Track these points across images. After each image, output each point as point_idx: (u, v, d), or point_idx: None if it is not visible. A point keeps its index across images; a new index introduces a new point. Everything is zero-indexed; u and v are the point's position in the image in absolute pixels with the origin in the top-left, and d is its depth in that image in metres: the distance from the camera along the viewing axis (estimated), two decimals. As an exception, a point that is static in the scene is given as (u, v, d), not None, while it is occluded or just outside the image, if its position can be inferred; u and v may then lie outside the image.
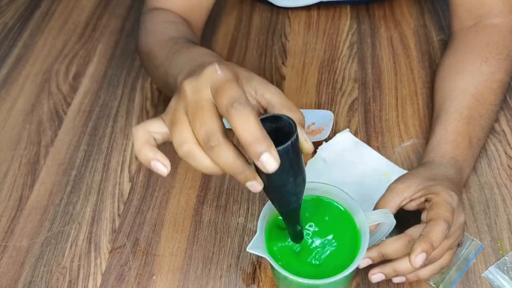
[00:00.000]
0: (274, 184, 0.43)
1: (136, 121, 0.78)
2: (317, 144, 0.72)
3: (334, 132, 0.73)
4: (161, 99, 0.80)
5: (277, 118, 0.43)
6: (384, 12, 0.93)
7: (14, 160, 0.74)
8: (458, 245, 0.58)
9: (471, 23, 0.74)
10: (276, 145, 0.40)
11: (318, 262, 0.50)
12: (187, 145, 0.42)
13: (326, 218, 0.53)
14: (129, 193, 0.69)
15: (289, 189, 0.44)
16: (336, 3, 0.94)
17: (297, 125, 0.42)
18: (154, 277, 0.61)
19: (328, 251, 0.51)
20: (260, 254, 0.48)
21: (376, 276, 0.53)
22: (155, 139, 0.44)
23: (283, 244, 0.51)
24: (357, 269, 0.50)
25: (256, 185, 0.42)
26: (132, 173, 0.71)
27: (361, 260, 0.49)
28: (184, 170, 0.71)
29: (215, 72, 0.42)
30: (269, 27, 0.92)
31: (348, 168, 0.69)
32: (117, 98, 0.82)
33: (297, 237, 0.50)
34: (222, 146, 0.40)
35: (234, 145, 0.41)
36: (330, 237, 0.52)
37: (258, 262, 0.61)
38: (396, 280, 0.54)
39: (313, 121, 0.74)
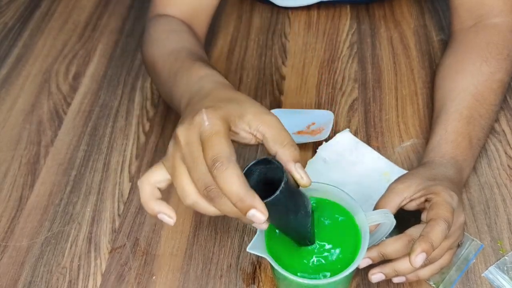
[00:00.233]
0: (277, 223, 0.46)
1: (136, 121, 0.78)
2: (317, 144, 0.72)
3: (334, 132, 0.73)
4: (161, 99, 0.80)
5: (268, 161, 0.44)
6: (384, 12, 0.93)
7: (14, 160, 0.74)
8: (458, 245, 0.58)
9: (471, 23, 0.74)
10: (271, 186, 0.42)
11: (318, 262, 0.50)
12: (190, 198, 0.45)
13: (326, 218, 0.53)
14: (129, 193, 0.69)
15: (293, 225, 0.46)
16: (336, 3, 0.94)
17: (290, 163, 0.44)
18: (154, 277, 0.61)
19: (328, 251, 0.51)
20: (260, 254, 0.48)
21: (376, 276, 0.53)
22: (160, 188, 0.47)
23: (283, 244, 0.51)
24: (357, 269, 0.50)
25: (261, 226, 0.45)
26: (132, 173, 0.71)
27: (361, 260, 0.49)
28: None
29: (203, 123, 0.44)
30: (269, 27, 0.92)
31: (348, 168, 0.69)
32: (117, 98, 0.82)
33: (307, 244, 0.51)
34: (221, 197, 0.43)
35: None
36: (330, 237, 0.52)
37: (258, 262, 0.61)
38: (396, 280, 0.54)
39: (313, 121, 0.74)
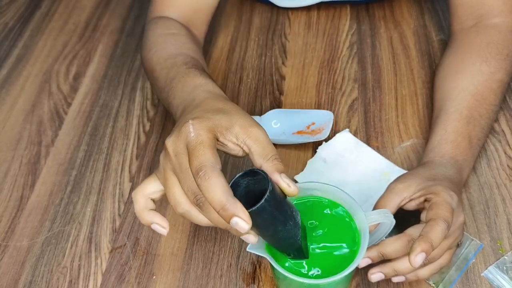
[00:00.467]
0: (266, 235, 0.46)
1: (136, 121, 0.78)
2: (317, 144, 0.72)
3: (334, 132, 0.73)
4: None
5: (254, 173, 0.45)
6: (384, 12, 0.93)
7: (15, 160, 0.74)
8: (458, 245, 0.58)
9: (471, 23, 0.74)
10: (259, 198, 0.42)
11: (318, 262, 0.50)
12: (181, 207, 0.46)
13: (326, 218, 0.53)
14: (130, 193, 0.69)
15: (282, 236, 0.46)
16: (336, 3, 0.94)
17: (275, 174, 0.45)
18: (154, 277, 0.61)
19: (328, 251, 0.51)
20: (260, 254, 0.48)
21: (375, 275, 0.53)
22: (154, 199, 0.50)
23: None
24: (357, 269, 0.50)
25: (249, 238, 0.46)
26: (133, 173, 0.71)
27: (361, 260, 0.49)
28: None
29: (189, 135, 0.45)
30: (269, 27, 0.92)
31: (348, 168, 0.69)
32: (118, 98, 0.82)
33: (301, 258, 0.51)
34: (209, 205, 0.43)
35: None
36: (329, 237, 0.52)
37: (258, 262, 0.61)
38: (395, 279, 0.54)
39: (313, 121, 0.74)
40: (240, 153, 0.49)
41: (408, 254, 0.50)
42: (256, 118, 0.75)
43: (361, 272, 0.59)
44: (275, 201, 0.44)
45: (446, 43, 0.82)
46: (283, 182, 0.45)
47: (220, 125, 0.47)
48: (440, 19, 0.91)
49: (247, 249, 0.48)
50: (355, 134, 0.74)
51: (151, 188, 0.49)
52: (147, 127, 0.77)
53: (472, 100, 0.67)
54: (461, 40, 0.74)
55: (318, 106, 0.78)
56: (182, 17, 0.75)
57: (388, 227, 0.54)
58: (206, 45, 0.88)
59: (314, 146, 0.72)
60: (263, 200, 0.42)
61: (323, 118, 0.74)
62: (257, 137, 0.47)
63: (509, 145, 0.72)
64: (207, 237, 0.64)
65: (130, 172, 0.72)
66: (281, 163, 0.47)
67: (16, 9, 1.00)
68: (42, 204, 0.69)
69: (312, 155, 0.71)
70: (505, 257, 0.60)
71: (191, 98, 0.55)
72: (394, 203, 0.55)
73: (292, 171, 0.70)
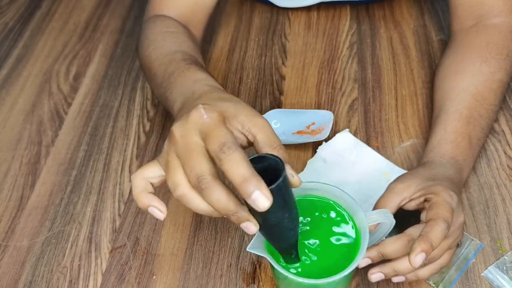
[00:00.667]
0: (271, 222, 0.44)
1: (136, 121, 0.78)
2: (317, 144, 0.72)
3: (334, 132, 0.73)
4: (162, 104, 0.80)
5: (262, 158, 0.44)
6: (384, 12, 0.93)
7: (15, 160, 0.74)
8: (458, 245, 0.58)
9: (471, 23, 0.74)
10: (266, 184, 0.41)
11: (318, 262, 0.51)
12: (181, 188, 0.44)
13: (326, 218, 0.53)
14: (130, 193, 0.69)
15: (286, 225, 0.45)
16: (336, 4, 0.94)
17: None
18: (154, 277, 0.61)
19: (328, 251, 0.51)
20: (260, 254, 0.48)
21: (375, 275, 0.53)
22: (153, 184, 0.48)
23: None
24: (357, 269, 0.50)
25: (250, 226, 0.44)
26: (133, 173, 0.71)
27: (361, 260, 0.49)
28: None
29: (202, 117, 0.44)
30: (269, 28, 0.92)
31: (348, 168, 0.69)
32: (118, 98, 0.82)
33: (293, 261, 0.50)
34: (212, 187, 0.42)
35: (226, 186, 0.43)
36: (329, 236, 0.52)
37: (258, 262, 0.61)
38: (395, 279, 0.54)
39: (313, 121, 0.74)
40: (244, 143, 0.48)
41: (408, 254, 0.50)
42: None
43: (361, 272, 0.59)
44: (286, 185, 0.43)
45: (446, 43, 0.82)
46: (288, 173, 0.45)
47: (227, 111, 0.47)
48: (440, 19, 0.91)
49: (247, 249, 0.48)
50: (355, 134, 0.74)
51: (151, 172, 0.48)
52: (147, 127, 0.77)
53: (472, 100, 0.67)
54: (461, 40, 0.74)
55: (318, 106, 0.78)
56: (180, 17, 0.75)
57: (388, 227, 0.54)
58: (206, 45, 0.88)
59: (314, 146, 0.72)
60: (280, 179, 0.41)
61: (323, 118, 0.74)
62: (262, 126, 0.47)
63: (509, 145, 0.72)
64: (207, 237, 0.64)
65: (130, 172, 0.72)
66: (286, 152, 0.46)
67: (16, 9, 1.00)
68: (42, 204, 0.69)
69: (312, 155, 0.71)
70: (505, 257, 0.60)
71: (191, 91, 0.54)
72: (394, 203, 0.55)
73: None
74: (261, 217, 0.44)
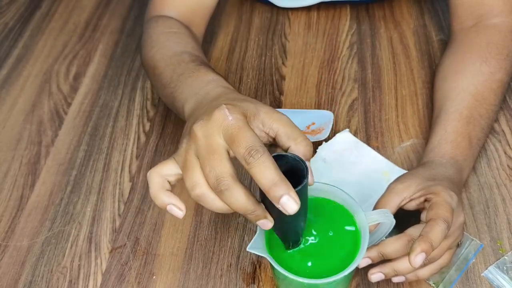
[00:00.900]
0: (288, 220, 0.45)
1: (136, 121, 0.78)
2: (317, 144, 0.72)
3: (334, 132, 0.73)
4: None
5: (282, 157, 0.44)
6: (384, 12, 0.93)
7: (15, 160, 0.74)
8: (458, 245, 0.58)
9: (471, 23, 0.74)
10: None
11: (318, 262, 0.51)
12: (199, 188, 0.44)
13: (326, 218, 0.53)
14: (130, 193, 0.69)
15: (299, 219, 0.46)
16: (336, 3, 0.94)
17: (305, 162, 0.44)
18: (154, 277, 0.61)
19: (328, 251, 0.51)
20: (260, 254, 0.48)
21: (375, 275, 0.53)
22: (169, 181, 0.47)
23: (283, 244, 0.51)
24: (357, 269, 0.50)
25: (266, 223, 0.45)
26: (133, 173, 0.71)
27: (361, 260, 0.49)
28: (184, 170, 0.71)
29: (226, 118, 0.44)
30: (269, 28, 0.92)
31: (348, 168, 0.69)
32: (118, 98, 0.82)
33: (294, 245, 0.51)
34: (231, 189, 0.43)
35: (244, 187, 0.43)
36: (330, 236, 0.52)
37: (258, 262, 0.61)
38: (395, 279, 0.54)
39: (313, 121, 0.74)
40: (265, 140, 0.48)
41: (408, 254, 0.50)
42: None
43: (361, 272, 0.59)
44: (307, 186, 0.44)
45: (446, 43, 0.82)
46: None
47: (248, 111, 0.47)
48: (440, 19, 0.91)
49: (247, 249, 0.48)
50: (355, 134, 0.74)
51: (168, 169, 0.47)
52: (147, 127, 0.77)
53: (472, 100, 0.67)
54: (461, 40, 0.74)
55: (318, 106, 0.78)
56: (182, 17, 0.75)
57: (388, 227, 0.54)
58: (206, 45, 0.88)
59: (314, 146, 0.72)
60: (304, 181, 0.42)
61: (323, 118, 0.74)
62: (282, 120, 0.47)
63: (509, 145, 0.72)
64: (207, 237, 0.64)
65: (130, 172, 0.72)
66: (311, 145, 0.46)
67: (16, 9, 1.00)
68: (42, 204, 0.69)
69: (312, 155, 0.71)
70: (505, 257, 0.60)
71: (205, 92, 0.54)
72: (394, 203, 0.55)
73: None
74: (278, 214, 0.44)
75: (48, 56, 0.90)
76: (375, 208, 0.56)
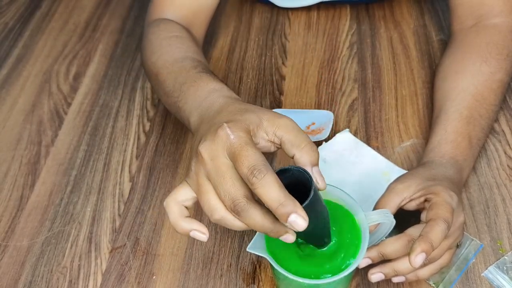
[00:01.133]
0: (307, 230, 0.44)
1: (136, 120, 0.78)
2: (317, 144, 0.72)
3: (334, 132, 0.73)
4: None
5: (286, 171, 0.44)
6: (384, 12, 0.93)
7: (15, 160, 0.74)
8: (458, 245, 0.58)
9: (471, 23, 0.74)
10: (295, 196, 0.42)
11: (318, 262, 0.50)
12: (217, 213, 0.45)
13: (326, 218, 0.53)
14: (130, 193, 0.69)
15: (320, 225, 0.47)
16: (336, 4, 0.94)
17: (308, 167, 0.44)
18: (154, 277, 0.61)
19: (328, 251, 0.51)
20: (260, 254, 0.48)
21: (375, 275, 0.53)
22: (186, 207, 0.48)
23: (283, 244, 0.51)
24: (357, 269, 0.50)
25: (289, 237, 0.45)
26: (133, 173, 0.71)
27: (361, 260, 0.49)
28: (184, 170, 0.71)
29: (228, 138, 0.44)
30: (269, 28, 0.92)
31: (348, 168, 0.69)
32: (118, 98, 0.82)
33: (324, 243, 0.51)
34: (248, 210, 0.43)
35: (260, 206, 0.43)
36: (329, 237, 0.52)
37: (258, 262, 0.61)
38: (395, 280, 0.54)
39: (313, 121, 0.74)
40: (272, 148, 0.48)
41: (408, 254, 0.50)
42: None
43: (361, 272, 0.59)
44: (317, 195, 0.44)
45: (446, 43, 0.82)
46: (313, 178, 0.44)
47: (251, 123, 0.46)
48: (440, 19, 0.91)
49: (247, 249, 0.48)
50: (355, 134, 0.74)
51: (183, 195, 0.47)
52: (147, 127, 0.77)
53: (472, 100, 0.67)
54: (461, 40, 0.74)
55: (318, 106, 0.78)
56: (183, 19, 0.75)
57: (388, 227, 0.54)
58: (206, 45, 0.88)
59: (314, 146, 0.72)
60: (310, 196, 0.42)
61: (323, 118, 0.74)
62: (286, 126, 0.47)
63: (509, 145, 0.72)
64: (207, 237, 0.64)
65: (130, 172, 0.72)
66: (316, 150, 0.46)
67: (16, 9, 1.00)
68: (42, 204, 0.69)
69: (312, 155, 0.71)
70: (505, 257, 0.60)
71: (208, 104, 0.53)
72: (394, 203, 0.55)
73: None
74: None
75: (48, 56, 0.90)
76: (375, 208, 0.56)
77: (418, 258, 0.48)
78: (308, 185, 0.43)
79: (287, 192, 0.41)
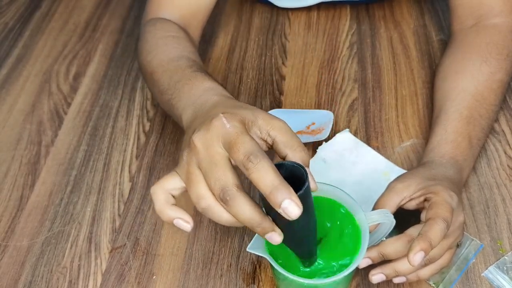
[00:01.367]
0: (296, 229, 0.44)
1: (136, 121, 0.78)
2: (317, 144, 0.72)
3: (334, 132, 0.73)
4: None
5: (281, 166, 0.43)
6: (384, 12, 0.93)
7: (15, 160, 0.74)
8: (458, 245, 0.58)
9: (471, 23, 0.74)
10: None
11: (318, 262, 0.50)
12: (205, 201, 0.44)
13: (326, 218, 0.53)
14: (129, 193, 0.69)
15: (309, 228, 0.46)
16: (336, 4, 0.94)
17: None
18: (154, 277, 0.61)
19: (328, 251, 0.51)
20: (260, 254, 0.48)
21: (376, 276, 0.53)
22: (173, 195, 0.47)
23: (283, 244, 0.51)
24: (357, 269, 0.50)
25: (275, 236, 0.44)
26: (132, 173, 0.71)
27: (361, 260, 0.49)
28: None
29: (224, 127, 0.44)
30: (269, 28, 0.92)
31: (348, 168, 0.69)
32: (118, 98, 0.82)
33: (311, 261, 0.50)
34: (237, 199, 0.42)
35: (250, 198, 0.43)
36: (330, 237, 0.52)
37: (258, 262, 0.61)
38: (396, 280, 0.54)
39: (313, 121, 0.74)
40: (264, 147, 0.47)
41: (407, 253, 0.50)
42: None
43: (361, 272, 0.59)
44: (310, 191, 0.43)
45: (446, 43, 0.82)
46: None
47: (246, 118, 0.46)
48: (440, 19, 0.91)
49: (247, 249, 0.48)
50: (355, 134, 0.74)
51: (171, 184, 0.47)
52: (147, 127, 0.77)
53: (472, 100, 0.67)
54: (461, 40, 0.74)
55: (318, 106, 0.78)
56: (179, 19, 0.75)
57: (388, 227, 0.54)
58: (206, 44, 0.88)
59: (314, 146, 0.72)
60: (306, 185, 0.41)
61: (323, 118, 0.74)
62: (280, 127, 0.47)
63: (509, 145, 0.72)
64: (207, 237, 0.64)
65: (130, 172, 0.72)
66: (308, 153, 0.46)
67: (16, 9, 1.00)
68: (42, 204, 0.69)
69: (312, 155, 0.71)
70: (505, 257, 0.60)
71: (202, 101, 0.53)
72: (394, 202, 0.55)
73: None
74: (285, 225, 0.43)
75: (48, 56, 0.90)
76: (374, 207, 0.56)
77: (416, 256, 0.48)
78: (302, 178, 0.42)
79: (282, 178, 0.41)
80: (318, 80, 0.82)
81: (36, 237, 0.65)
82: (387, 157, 0.70)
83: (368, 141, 0.73)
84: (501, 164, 0.69)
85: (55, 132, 0.77)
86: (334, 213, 0.53)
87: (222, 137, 0.44)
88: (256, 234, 0.50)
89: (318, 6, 0.95)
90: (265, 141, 0.47)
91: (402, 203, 0.56)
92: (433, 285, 0.58)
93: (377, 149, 0.72)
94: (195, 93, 0.56)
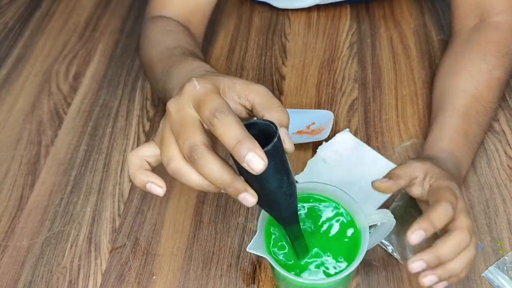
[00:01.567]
0: (269, 189, 0.42)
1: (136, 121, 0.78)
2: (317, 144, 0.72)
3: (334, 132, 0.73)
4: (161, 99, 0.80)
5: (253, 124, 0.42)
6: (384, 12, 0.93)
7: (14, 160, 0.74)
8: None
9: (472, 21, 0.74)
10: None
11: (318, 262, 0.50)
12: (174, 162, 0.43)
13: (326, 218, 0.53)
14: (129, 193, 0.69)
15: (285, 190, 0.43)
16: (336, 3, 0.94)
17: (279, 129, 0.42)
18: (154, 277, 0.61)
19: (328, 251, 0.51)
20: (260, 254, 0.48)
21: (427, 278, 0.50)
22: (150, 163, 0.46)
23: (283, 244, 0.51)
24: (357, 269, 0.50)
25: (248, 198, 0.42)
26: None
27: (361, 260, 0.49)
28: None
29: (195, 88, 0.43)
30: (269, 28, 0.92)
31: (348, 168, 0.69)
32: (117, 98, 0.82)
33: (303, 250, 0.50)
34: (205, 158, 0.41)
35: (220, 157, 0.41)
36: (330, 237, 0.52)
37: (258, 262, 0.61)
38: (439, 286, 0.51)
39: (313, 121, 0.74)
40: (243, 113, 0.47)
41: (459, 254, 0.49)
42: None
43: (362, 273, 0.59)
44: (281, 147, 0.42)
45: (446, 43, 0.82)
46: (283, 136, 0.43)
47: (222, 83, 0.45)
48: (440, 19, 0.91)
49: (247, 249, 0.48)
50: (355, 134, 0.74)
51: (147, 151, 0.46)
52: (147, 127, 0.77)
53: (470, 99, 0.67)
54: (462, 39, 0.74)
55: (318, 106, 0.78)
56: (180, 17, 0.75)
57: (388, 227, 0.54)
58: (206, 45, 0.88)
59: (314, 146, 0.72)
60: (274, 140, 0.40)
61: (323, 118, 0.74)
62: (258, 91, 0.46)
63: (509, 145, 0.72)
64: (207, 237, 0.64)
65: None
66: (287, 114, 0.45)
67: (16, 9, 1.00)
68: (42, 204, 0.69)
69: (312, 155, 0.71)
70: (506, 257, 0.60)
71: (189, 78, 0.53)
72: (408, 175, 0.55)
73: (292, 171, 0.70)
74: (259, 185, 0.42)
75: (48, 56, 0.90)
76: (387, 175, 0.55)
77: (414, 235, 0.47)
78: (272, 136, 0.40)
79: (248, 133, 0.40)
80: (318, 80, 0.82)
81: (36, 237, 0.65)
82: (387, 157, 0.70)
83: (368, 141, 0.73)
84: (501, 164, 0.69)
85: (55, 132, 0.77)
86: (334, 213, 0.53)
87: (192, 99, 0.43)
88: (256, 234, 0.50)
89: (318, 6, 0.95)
90: (244, 106, 0.46)
91: (413, 181, 0.55)
92: (433, 285, 0.58)
93: (377, 149, 0.72)
94: (183, 73, 0.56)
